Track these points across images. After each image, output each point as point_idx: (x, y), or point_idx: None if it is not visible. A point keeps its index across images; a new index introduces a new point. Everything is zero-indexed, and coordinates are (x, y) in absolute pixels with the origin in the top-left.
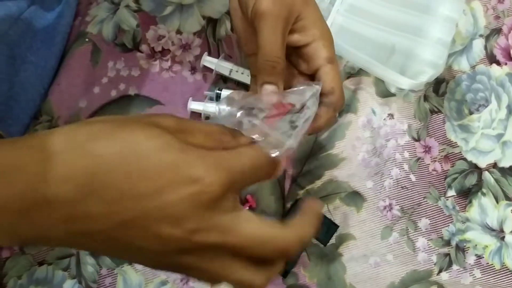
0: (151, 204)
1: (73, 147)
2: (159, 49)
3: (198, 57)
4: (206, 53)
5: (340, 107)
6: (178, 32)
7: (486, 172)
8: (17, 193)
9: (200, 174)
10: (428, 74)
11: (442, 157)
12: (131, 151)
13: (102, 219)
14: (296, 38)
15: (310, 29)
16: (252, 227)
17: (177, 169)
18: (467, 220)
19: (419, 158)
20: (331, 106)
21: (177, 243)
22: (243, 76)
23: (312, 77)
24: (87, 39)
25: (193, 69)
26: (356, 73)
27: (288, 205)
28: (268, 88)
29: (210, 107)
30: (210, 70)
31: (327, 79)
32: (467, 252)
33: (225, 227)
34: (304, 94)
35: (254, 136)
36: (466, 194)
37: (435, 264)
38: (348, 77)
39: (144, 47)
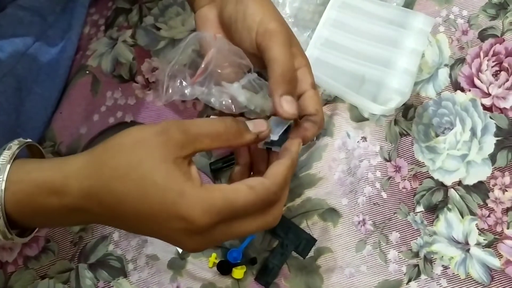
0: (155, 227)
1: (101, 185)
2: (153, 79)
3: None
4: None
5: (322, 125)
6: None
7: (452, 189)
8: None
9: (191, 215)
10: (396, 101)
11: (411, 176)
12: (142, 190)
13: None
14: None
15: (298, 56)
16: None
17: (175, 208)
18: (434, 233)
19: (390, 177)
20: (316, 123)
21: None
22: None
23: None
24: (87, 71)
25: None
26: (332, 100)
27: None
28: (288, 98)
29: None
30: None
31: (312, 102)
32: (434, 263)
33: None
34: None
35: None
36: (433, 210)
37: (405, 274)
38: (325, 104)
39: (139, 78)
